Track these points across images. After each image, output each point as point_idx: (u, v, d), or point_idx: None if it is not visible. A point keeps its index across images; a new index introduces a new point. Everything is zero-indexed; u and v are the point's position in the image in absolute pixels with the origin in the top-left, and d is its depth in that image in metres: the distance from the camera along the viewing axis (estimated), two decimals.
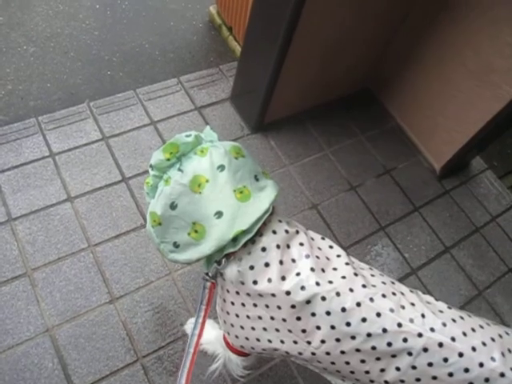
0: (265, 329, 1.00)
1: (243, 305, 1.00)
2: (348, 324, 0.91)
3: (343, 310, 0.91)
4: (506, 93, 1.75)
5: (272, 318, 0.97)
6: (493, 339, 0.92)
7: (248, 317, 1.01)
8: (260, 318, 0.98)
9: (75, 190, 1.77)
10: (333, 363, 0.98)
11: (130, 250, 1.68)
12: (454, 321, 0.95)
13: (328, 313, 0.91)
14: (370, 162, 2.17)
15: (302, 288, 0.91)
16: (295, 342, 0.98)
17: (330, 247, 1.05)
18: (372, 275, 1.02)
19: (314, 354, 0.97)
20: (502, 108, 1.80)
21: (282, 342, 1.00)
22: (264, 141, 2.09)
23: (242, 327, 1.05)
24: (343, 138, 2.20)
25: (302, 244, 0.98)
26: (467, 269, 1.95)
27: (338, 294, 0.92)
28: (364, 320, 0.91)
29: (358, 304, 0.91)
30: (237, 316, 1.04)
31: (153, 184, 0.96)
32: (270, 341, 1.01)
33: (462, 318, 0.97)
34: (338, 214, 1.97)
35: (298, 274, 0.92)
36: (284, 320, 0.95)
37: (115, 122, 1.97)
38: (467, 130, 1.99)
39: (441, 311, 0.98)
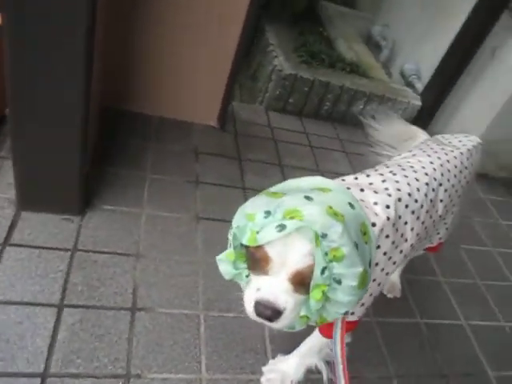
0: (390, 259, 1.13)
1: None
2: (416, 201, 1.17)
3: (409, 194, 1.15)
4: (234, 33, 2.11)
5: (386, 253, 1.09)
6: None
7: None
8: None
9: None
10: (419, 237, 1.21)
11: None
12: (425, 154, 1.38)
13: (406, 206, 1.14)
14: (182, 165, 2.21)
15: (388, 207, 1.08)
16: (401, 252, 1.15)
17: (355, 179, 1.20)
18: (375, 169, 1.26)
19: (412, 245, 1.18)
20: (237, 47, 2.16)
21: (394, 263, 1.15)
22: (103, 214, 1.81)
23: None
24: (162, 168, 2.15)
25: (362, 190, 1.11)
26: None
27: (398, 189, 1.14)
28: (418, 189, 1.19)
29: (409, 184, 1.18)
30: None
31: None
32: (394, 263, 1.15)
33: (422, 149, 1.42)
34: None
35: (375, 204, 1.07)
36: (393, 243, 1.10)
37: None
38: (219, 83, 2.30)
39: (414, 154, 1.38)
